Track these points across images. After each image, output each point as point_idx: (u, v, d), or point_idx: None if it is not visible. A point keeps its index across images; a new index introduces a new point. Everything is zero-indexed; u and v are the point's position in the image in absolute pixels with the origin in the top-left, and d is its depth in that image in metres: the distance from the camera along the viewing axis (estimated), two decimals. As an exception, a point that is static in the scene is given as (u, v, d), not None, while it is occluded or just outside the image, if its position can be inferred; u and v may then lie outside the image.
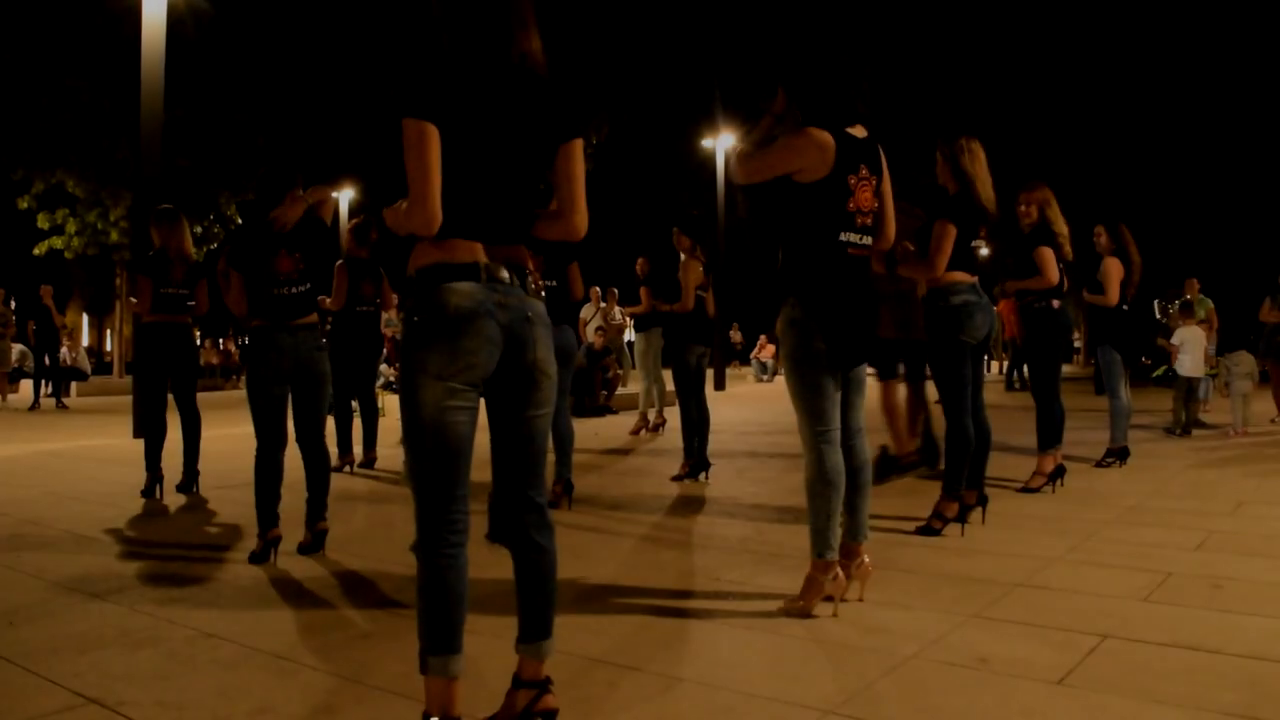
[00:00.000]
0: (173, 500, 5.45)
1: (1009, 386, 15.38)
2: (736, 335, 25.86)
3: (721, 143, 20.64)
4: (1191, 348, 8.45)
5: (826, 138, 3.05)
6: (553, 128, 2.12)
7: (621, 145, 23.43)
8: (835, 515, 3.08)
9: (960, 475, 4.31)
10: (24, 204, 19.82)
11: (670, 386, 6.79)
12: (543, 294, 2.17)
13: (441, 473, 2.00)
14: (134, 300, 5.68)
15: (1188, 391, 8.49)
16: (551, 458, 5.04)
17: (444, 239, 2.00)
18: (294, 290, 3.99)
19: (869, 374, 3.42)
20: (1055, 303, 5.42)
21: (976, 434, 4.38)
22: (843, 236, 3.11)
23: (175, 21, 9.78)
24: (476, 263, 2.01)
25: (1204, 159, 25.51)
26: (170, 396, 5.69)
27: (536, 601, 2.12)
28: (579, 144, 2.16)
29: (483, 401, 2.08)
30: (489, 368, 2.02)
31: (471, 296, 1.98)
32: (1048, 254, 5.29)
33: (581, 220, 2.17)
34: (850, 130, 3.14)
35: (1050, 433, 5.40)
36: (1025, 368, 10.14)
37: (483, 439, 2.08)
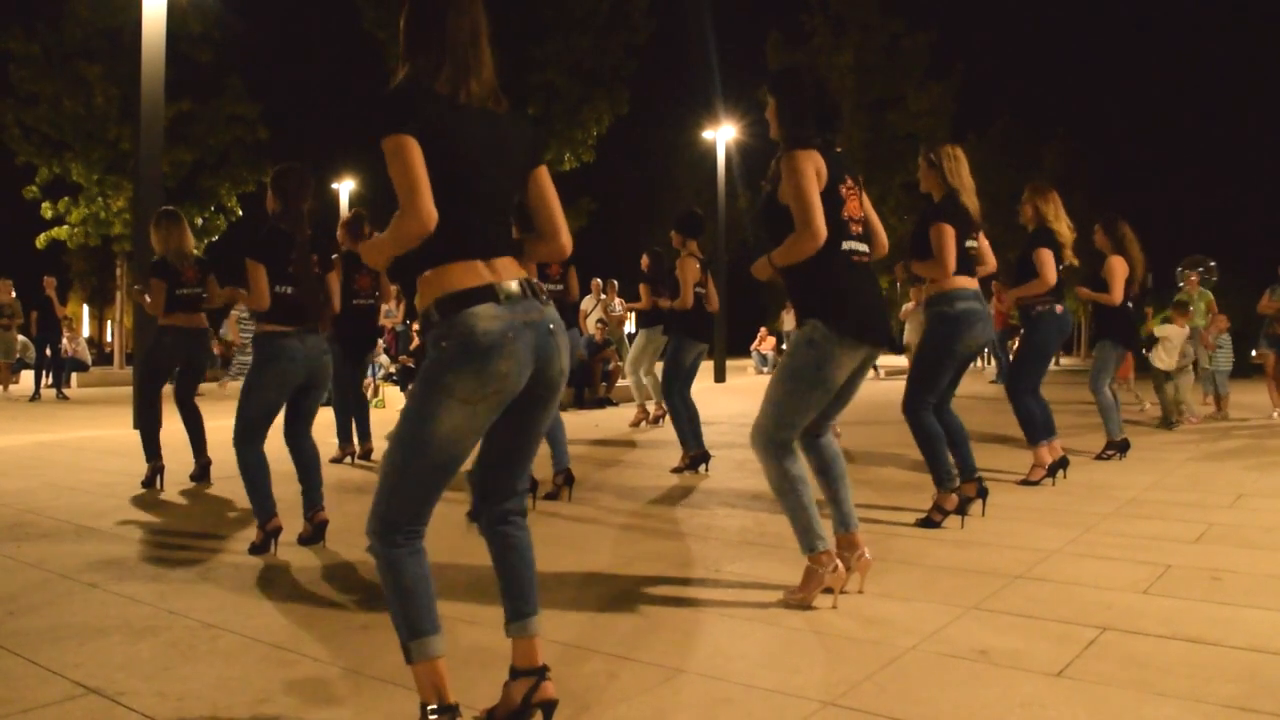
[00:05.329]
0: (173, 491, 5.46)
1: None
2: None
3: (722, 134, 20.60)
4: (1169, 344, 8.62)
5: (813, 154, 3.07)
6: (523, 152, 2.15)
7: (622, 139, 23.35)
8: (811, 506, 3.07)
9: (942, 468, 4.31)
10: (29, 194, 19.75)
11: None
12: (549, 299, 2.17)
13: (432, 485, 2.01)
14: (148, 300, 5.66)
15: (1162, 383, 8.69)
16: (548, 450, 5.07)
17: (444, 264, 1.99)
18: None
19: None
20: (1059, 307, 5.44)
21: (948, 426, 4.41)
22: (845, 245, 3.13)
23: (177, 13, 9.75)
24: (491, 284, 1.99)
25: (1203, 156, 25.51)
26: (166, 390, 5.72)
27: (519, 577, 2.13)
28: (545, 170, 2.22)
29: None
30: (519, 388, 2.02)
31: (498, 319, 1.96)
32: (1046, 255, 5.30)
33: (567, 240, 2.24)
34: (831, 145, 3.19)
35: (1034, 427, 5.41)
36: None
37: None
